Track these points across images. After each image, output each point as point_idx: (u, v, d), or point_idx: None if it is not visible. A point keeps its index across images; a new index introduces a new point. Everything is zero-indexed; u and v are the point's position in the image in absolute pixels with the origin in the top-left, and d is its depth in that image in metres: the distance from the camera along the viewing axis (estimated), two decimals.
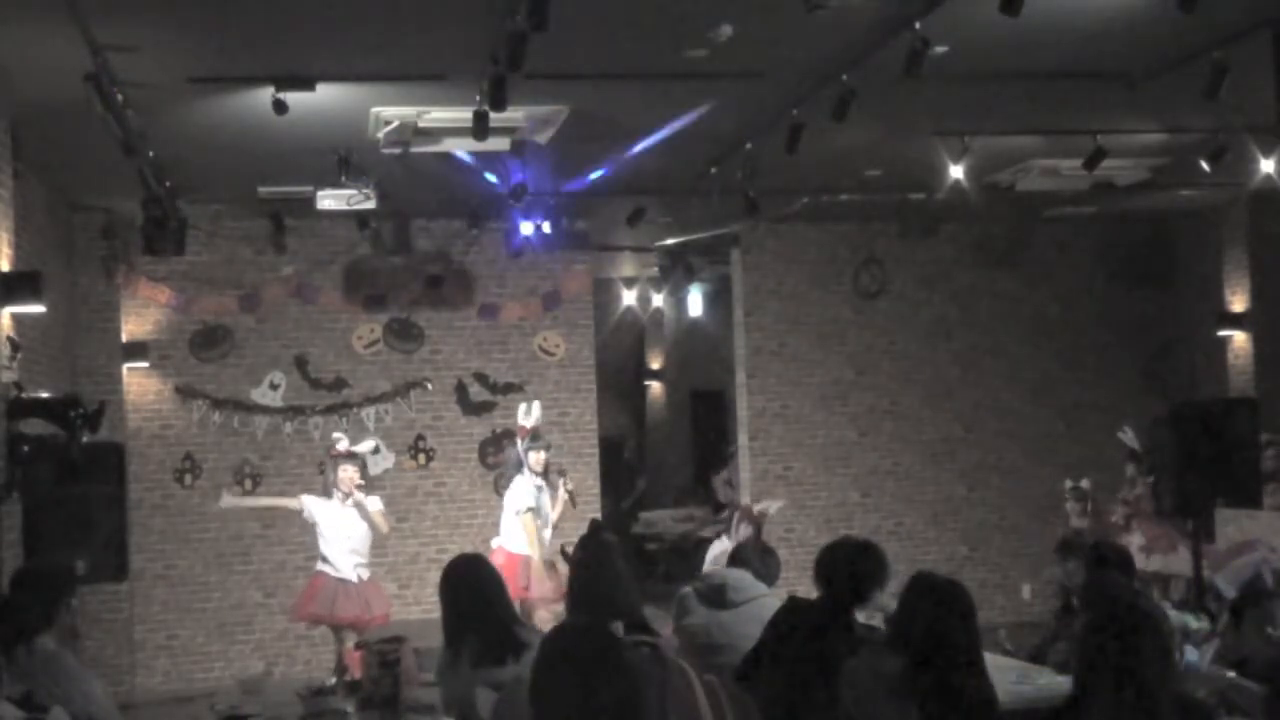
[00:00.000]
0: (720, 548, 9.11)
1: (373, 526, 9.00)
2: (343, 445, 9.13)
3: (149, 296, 10.92)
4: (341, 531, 8.92)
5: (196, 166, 8.91)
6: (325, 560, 8.97)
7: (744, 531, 9.07)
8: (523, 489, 9.29)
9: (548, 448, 9.53)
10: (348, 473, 8.95)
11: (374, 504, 9.03)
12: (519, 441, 9.51)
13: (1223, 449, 7.11)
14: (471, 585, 4.79)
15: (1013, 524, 12.56)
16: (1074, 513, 10.34)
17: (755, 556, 6.20)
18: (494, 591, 4.80)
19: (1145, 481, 9.37)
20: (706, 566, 8.96)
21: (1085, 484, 10.39)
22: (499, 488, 11.09)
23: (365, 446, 9.42)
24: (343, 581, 8.88)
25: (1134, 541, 9.47)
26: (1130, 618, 3.74)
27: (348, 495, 8.91)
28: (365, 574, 9.04)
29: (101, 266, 10.58)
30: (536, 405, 9.65)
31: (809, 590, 5.27)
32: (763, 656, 5.14)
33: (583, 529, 5.51)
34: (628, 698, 2.80)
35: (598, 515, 11.45)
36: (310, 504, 9.05)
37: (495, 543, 9.44)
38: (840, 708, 4.39)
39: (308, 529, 10.95)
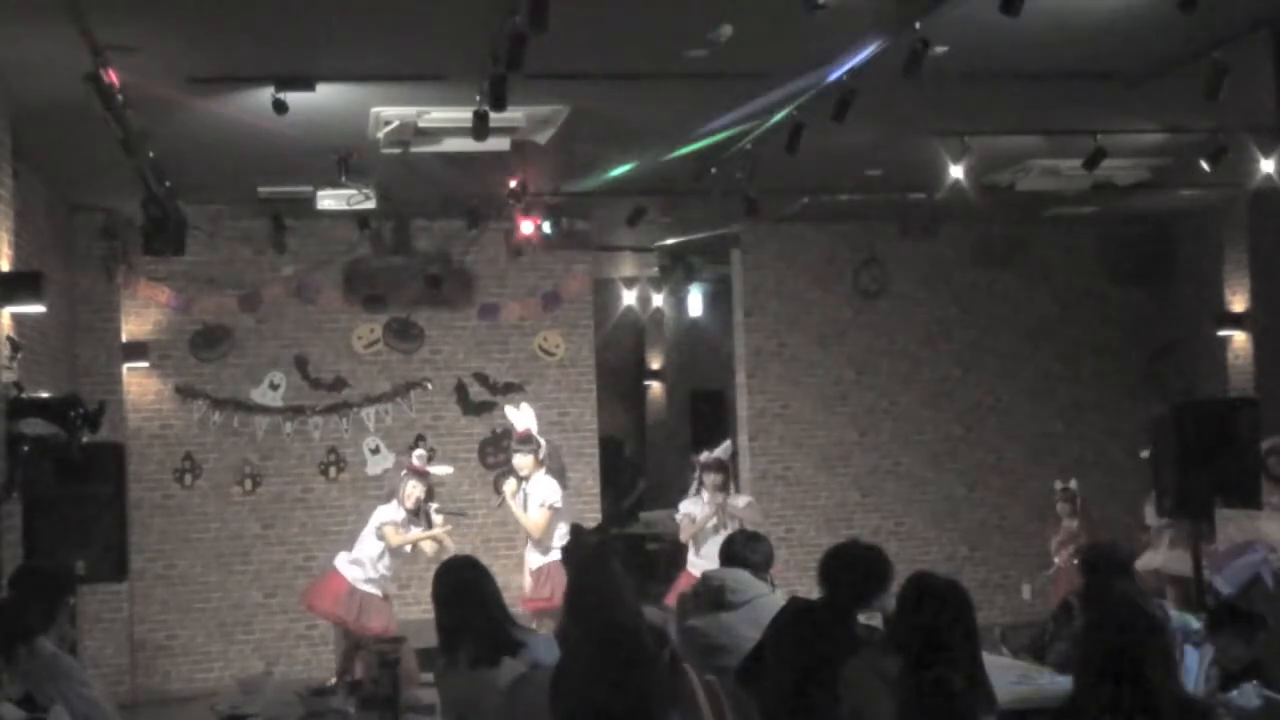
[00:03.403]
0: (687, 509, 9.17)
1: (426, 550, 8.81)
2: (420, 461, 8.92)
3: (149, 296, 10.92)
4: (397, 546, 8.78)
5: (196, 166, 8.90)
6: (358, 566, 8.74)
7: (713, 480, 9.10)
8: (552, 485, 9.05)
9: (535, 452, 9.09)
10: (416, 490, 8.67)
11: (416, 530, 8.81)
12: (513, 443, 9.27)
13: (1223, 449, 7.11)
14: (465, 587, 4.79)
15: (1013, 524, 12.55)
16: (1064, 513, 10.36)
17: (744, 545, 6.20)
18: (487, 592, 4.79)
19: None
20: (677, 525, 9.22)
21: (1074, 484, 10.40)
22: (499, 488, 11.08)
23: (441, 470, 9.29)
24: (366, 594, 8.69)
25: (1161, 545, 9.47)
26: (1130, 618, 3.74)
27: (411, 514, 8.69)
28: (385, 589, 8.90)
29: (101, 266, 10.58)
30: (526, 406, 9.44)
31: (809, 590, 5.27)
32: (763, 657, 5.14)
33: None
34: (642, 706, 2.81)
35: (597, 515, 11.48)
36: (384, 516, 8.74)
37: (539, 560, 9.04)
38: (840, 708, 4.39)
39: (308, 529, 11.01)
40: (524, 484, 8.93)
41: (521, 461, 8.94)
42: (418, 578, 10.86)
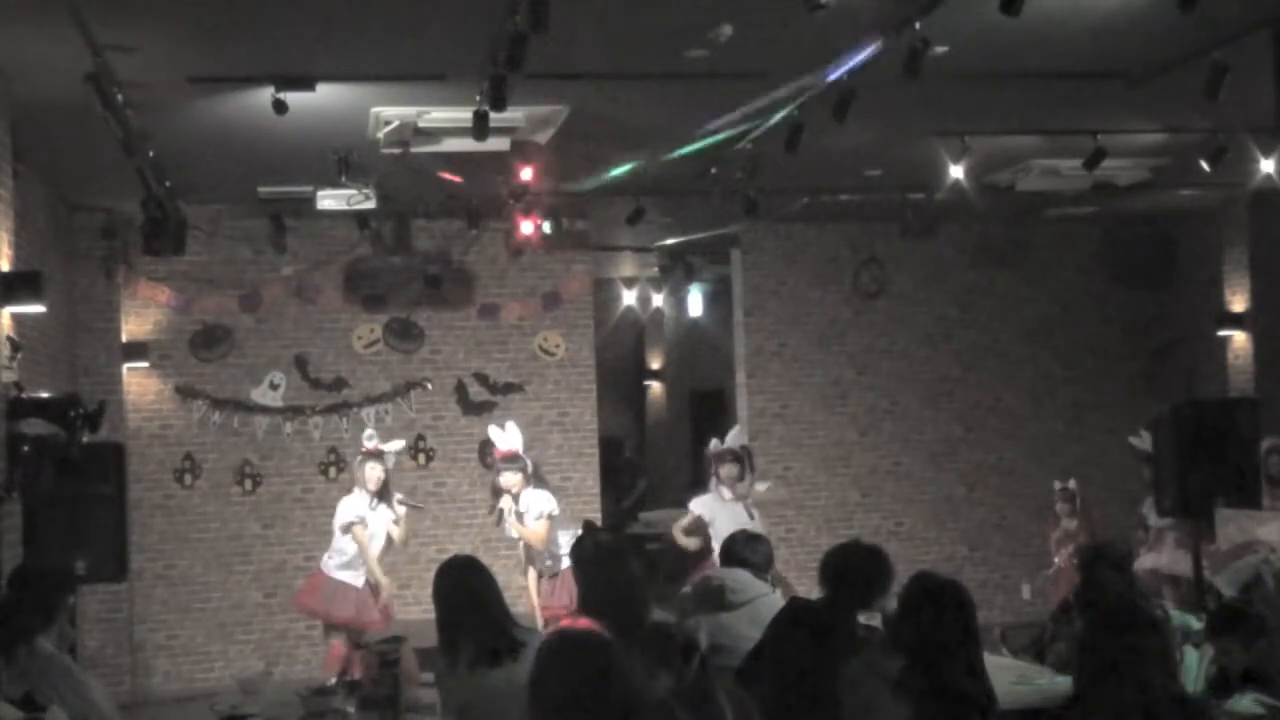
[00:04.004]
0: (697, 506, 9.09)
1: (392, 536, 8.85)
2: (372, 443, 8.97)
3: (149, 296, 10.92)
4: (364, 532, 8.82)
5: (196, 166, 8.90)
6: (334, 556, 8.82)
7: (727, 471, 9.02)
8: (544, 495, 8.92)
9: (523, 469, 8.87)
10: (374, 471, 8.74)
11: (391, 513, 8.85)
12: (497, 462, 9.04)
13: (1223, 449, 7.10)
14: (465, 587, 4.78)
15: (1013, 524, 12.56)
16: (1063, 513, 10.35)
17: (744, 545, 6.20)
18: (488, 592, 4.79)
19: None
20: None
21: (1073, 484, 10.40)
22: (496, 492, 11.02)
23: (393, 446, 9.31)
24: (345, 585, 8.78)
25: (1163, 545, 9.45)
26: (1129, 618, 3.74)
27: (374, 496, 8.79)
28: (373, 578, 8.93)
29: (101, 266, 10.58)
30: (512, 425, 9.34)
31: (808, 589, 5.26)
32: (763, 657, 5.14)
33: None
34: (620, 714, 2.80)
35: (596, 516, 11.47)
36: (357, 513, 8.76)
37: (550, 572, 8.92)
38: (841, 709, 4.39)
39: (308, 529, 11.00)
40: (515, 502, 8.83)
41: (510, 480, 8.75)
42: (418, 578, 10.86)
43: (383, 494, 8.81)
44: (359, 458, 8.95)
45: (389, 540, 8.90)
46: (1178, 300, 12.86)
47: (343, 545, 8.82)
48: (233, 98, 7.35)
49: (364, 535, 8.74)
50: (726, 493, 8.95)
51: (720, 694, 4.47)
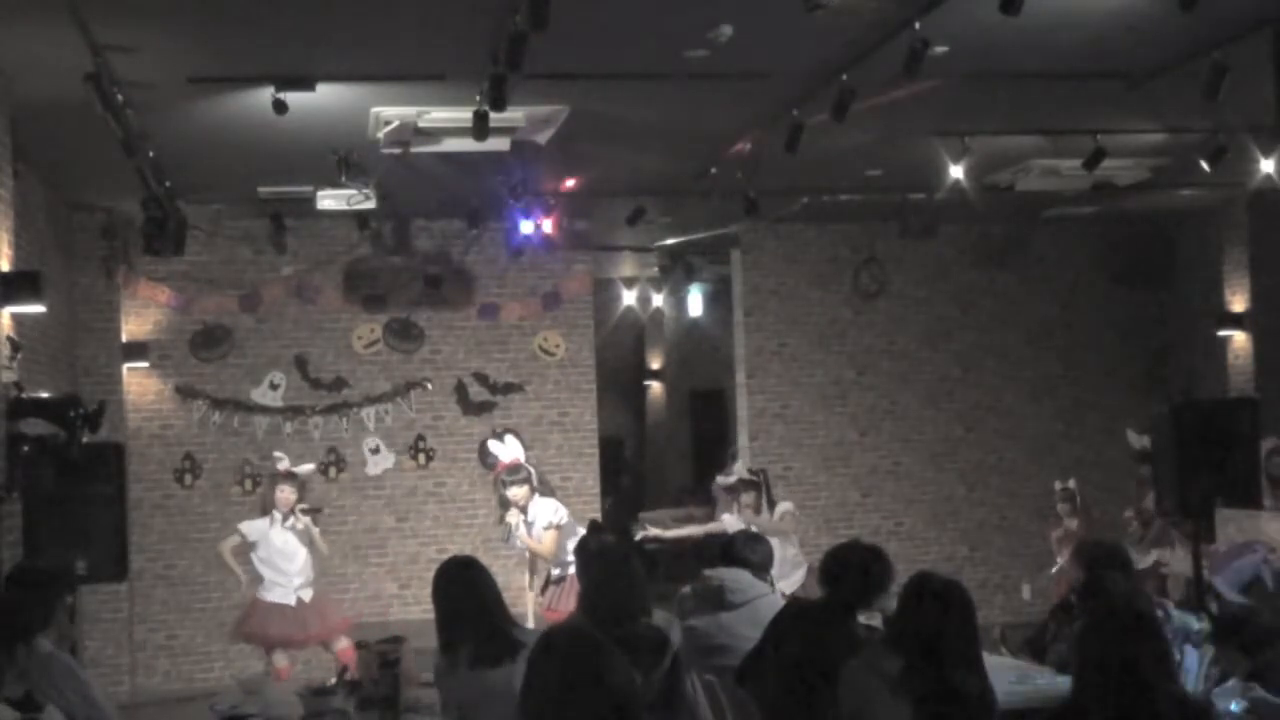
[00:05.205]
0: (732, 522, 9.18)
1: (313, 548, 9.00)
2: (283, 465, 9.08)
3: (149, 296, 10.92)
4: (276, 552, 8.88)
5: (196, 166, 8.90)
6: (261, 582, 8.98)
7: (748, 500, 9.18)
8: (551, 505, 8.83)
9: (528, 480, 8.76)
10: (285, 493, 8.90)
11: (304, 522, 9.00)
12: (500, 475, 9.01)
13: (1223, 449, 7.10)
14: (465, 587, 4.79)
15: (1013, 524, 12.56)
16: (1064, 513, 10.36)
17: (744, 545, 6.21)
18: (487, 593, 4.79)
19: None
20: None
21: (1072, 484, 10.40)
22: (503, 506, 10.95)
23: (305, 469, 9.37)
24: (277, 605, 8.86)
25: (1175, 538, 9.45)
26: (1129, 618, 3.74)
27: (287, 516, 8.87)
28: (307, 595, 8.99)
29: (101, 266, 10.58)
30: (511, 438, 9.30)
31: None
32: (763, 657, 5.14)
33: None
34: (611, 712, 2.80)
35: (597, 515, 11.46)
36: (246, 529, 8.98)
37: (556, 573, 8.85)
38: (840, 708, 4.39)
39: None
40: (523, 515, 8.77)
41: (517, 493, 8.68)
42: (418, 578, 10.88)
43: (291, 513, 8.97)
44: (269, 478, 9.15)
45: (311, 553, 9.05)
46: (1178, 300, 12.86)
47: (260, 570, 8.96)
48: (233, 98, 7.35)
49: (230, 544, 9.01)
50: (747, 517, 9.14)
51: (690, 692, 4.48)
